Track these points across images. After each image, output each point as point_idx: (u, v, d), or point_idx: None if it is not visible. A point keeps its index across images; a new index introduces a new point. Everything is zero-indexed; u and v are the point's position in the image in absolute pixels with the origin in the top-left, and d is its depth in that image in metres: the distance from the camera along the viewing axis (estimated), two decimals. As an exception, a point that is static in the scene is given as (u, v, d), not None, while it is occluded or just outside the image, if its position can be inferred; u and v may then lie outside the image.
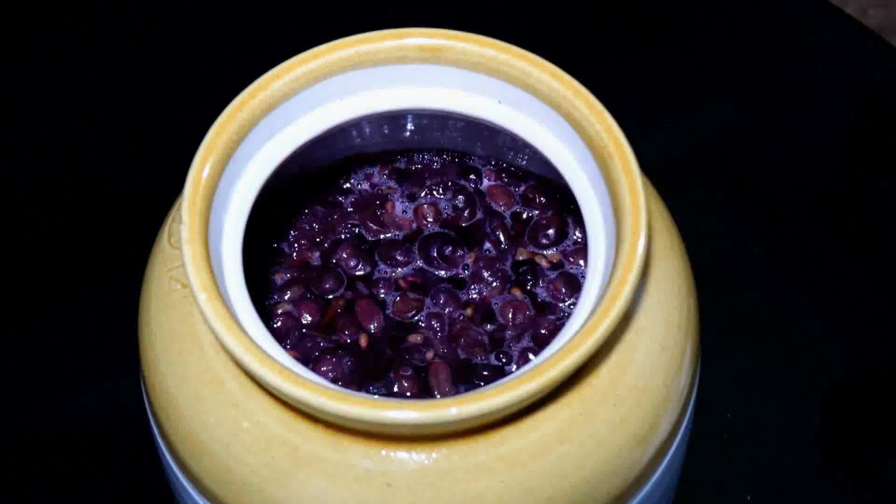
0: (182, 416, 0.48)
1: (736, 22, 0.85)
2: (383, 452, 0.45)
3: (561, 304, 0.55)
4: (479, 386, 0.52)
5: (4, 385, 0.70)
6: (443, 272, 0.56)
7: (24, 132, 0.81)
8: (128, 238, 0.64)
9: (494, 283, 0.56)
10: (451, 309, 0.55)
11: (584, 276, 0.54)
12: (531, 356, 0.54)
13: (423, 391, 0.53)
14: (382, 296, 0.56)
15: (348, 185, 0.59)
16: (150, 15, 0.85)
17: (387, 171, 0.59)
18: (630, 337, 0.48)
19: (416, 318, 0.55)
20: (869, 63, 0.81)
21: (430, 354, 0.54)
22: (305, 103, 0.50)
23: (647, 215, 0.46)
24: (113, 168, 0.78)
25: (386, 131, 0.58)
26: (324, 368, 0.53)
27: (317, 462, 0.45)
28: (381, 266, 0.57)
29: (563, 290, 0.55)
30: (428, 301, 0.56)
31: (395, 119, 0.57)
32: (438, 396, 0.52)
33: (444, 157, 0.59)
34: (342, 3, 0.86)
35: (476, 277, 0.56)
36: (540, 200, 0.58)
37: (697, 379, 0.52)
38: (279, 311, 0.55)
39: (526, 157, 0.59)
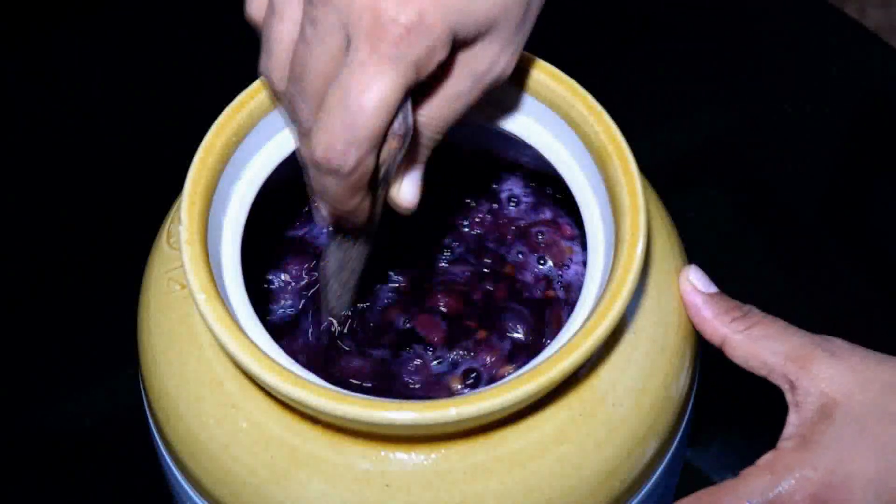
0: (181, 417, 0.48)
1: (736, 23, 0.85)
2: (382, 453, 0.45)
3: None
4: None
5: (4, 386, 0.70)
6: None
7: (23, 133, 0.81)
8: (127, 239, 0.64)
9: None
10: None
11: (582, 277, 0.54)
12: None
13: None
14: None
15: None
16: (151, 16, 0.85)
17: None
18: (629, 338, 0.48)
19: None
20: (868, 63, 0.81)
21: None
22: (305, 104, 0.50)
23: (646, 216, 0.46)
24: (112, 169, 0.78)
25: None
26: None
27: (316, 463, 0.45)
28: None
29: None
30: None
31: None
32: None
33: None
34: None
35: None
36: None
37: (697, 379, 0.52)
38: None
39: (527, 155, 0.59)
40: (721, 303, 0.49)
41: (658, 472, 0.49)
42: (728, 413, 0.68)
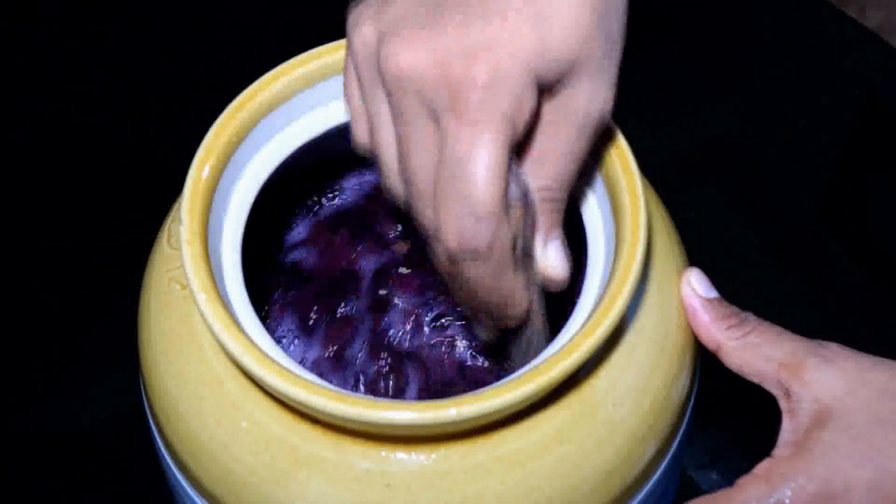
0: (181, 417, 0.48)
1: (736, 23, 0.85)
2: (383, 453, 0.45)
3: None
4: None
5: (4, 386, 0.70)
6: None
7: (23, 133, 0.80)
8: (127, 239, 0.64)
9: None
10: None
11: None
12: None
13: None
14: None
15: (350, 184, 0.59)
16: (151, 15, 0.85)
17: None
18: (630, 338, 0.48)
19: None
20: (868, 64, 0.80)
21: None
22: (306, 104, 0.50)
23: (646, 216, 0.46)
24: (113, 169, 0.78)
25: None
26: None
27: (316, 462, 0.45)
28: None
29: None
30: None
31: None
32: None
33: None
34: (343, 4, 0.86)
35: None
36: None
37: (697, 379, 0.52)
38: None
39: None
40: (719, 308, 0.49)
41: (657, 474, 0.49)
42: (727, 416, 0.68)
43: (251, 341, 0.44)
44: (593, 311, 0.45)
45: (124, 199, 0.77)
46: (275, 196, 0.55)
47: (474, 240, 0.40)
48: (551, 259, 0.44)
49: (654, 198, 0.53)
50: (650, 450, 0.48)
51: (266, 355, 0.44)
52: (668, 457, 0.50)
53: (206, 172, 0.47)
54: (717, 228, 0.76)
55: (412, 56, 0.40)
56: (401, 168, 0.42)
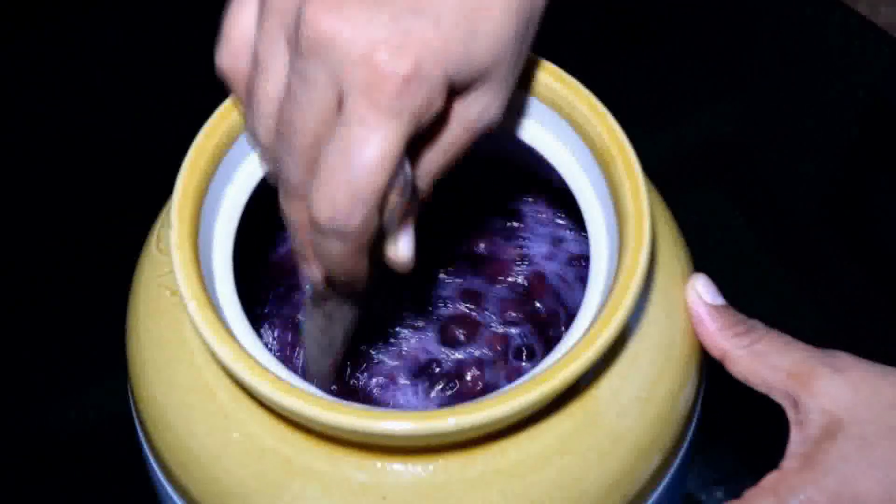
0: (170, 426, 0.47)
1: (742, 22, 0.85)
2: (378, 464, 0.44)
3: None
4: None
5: (4, 387, 0.70)
6: None
7: (11, 138, 0.80)
8: (116, 243, 0.64)
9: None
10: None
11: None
12: None
13: None
14: None
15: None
16: (143, 17, 0.85)
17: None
18: (634, 346, 0.47)
19: None
20: (879, 62, 0.80)
21: None
22: (299, 104, 0.49)
23: (650, 220, 0.45)
24: (101, 171, 0.78)
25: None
26: None
27: (310, 474, 0.44)
28: None
29: None
30: None
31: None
32: None
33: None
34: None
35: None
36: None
37: (703, 387, 0.51)
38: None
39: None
40: (726, 316, 0.48)
41: (662, 486, 0.48)
42: (734, 427, 0.67)
43: (243, 349, 0.43)
44: (596, 317, 0.44)
45: (114, 203, 0.76)
46: (269, 199, 0.55)
47: (344, 219, 0.40)
48: (402, 246, 0.44)
49: (657, 201, 0.52)
50: (654, 461, 0.47)
51: (258, 363, 0.43)
52: (673, 468, 0.49)
53: (196, 175, 0.46)
54: (717, 229, 0.76)
55: (338, 28, 0.39)
56: (278, 120, 0.41)
